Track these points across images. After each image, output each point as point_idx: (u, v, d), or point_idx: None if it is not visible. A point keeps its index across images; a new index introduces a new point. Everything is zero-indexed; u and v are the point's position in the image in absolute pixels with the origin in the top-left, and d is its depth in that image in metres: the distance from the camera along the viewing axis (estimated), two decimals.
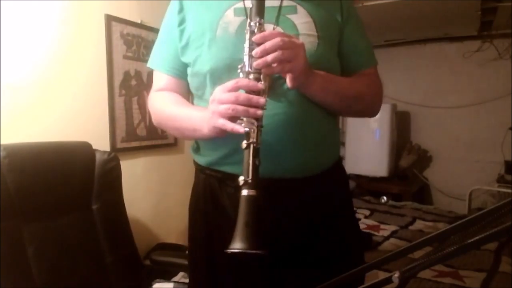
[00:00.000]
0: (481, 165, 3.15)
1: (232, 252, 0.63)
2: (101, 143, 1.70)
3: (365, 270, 0.57)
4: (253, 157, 0.70)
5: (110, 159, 1.47)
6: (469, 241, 0.44)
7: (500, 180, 2.94)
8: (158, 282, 1.71)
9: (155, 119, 0.98)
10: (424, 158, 3.42)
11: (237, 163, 0.83)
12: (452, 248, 0.45)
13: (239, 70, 0.75)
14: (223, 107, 0.73)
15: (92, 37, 1.70)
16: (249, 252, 0.63)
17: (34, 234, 1.21)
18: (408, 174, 3.33)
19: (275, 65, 0.73)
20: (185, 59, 0.90)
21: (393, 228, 2.27)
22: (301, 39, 0.82)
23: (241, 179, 0.69)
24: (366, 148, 3.14)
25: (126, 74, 1.87)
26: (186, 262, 1.45)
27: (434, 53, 3.30)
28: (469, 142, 3.23)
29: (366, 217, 2.46)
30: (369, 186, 3.16)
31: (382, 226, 2.31)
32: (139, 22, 1.91)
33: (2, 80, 1.39)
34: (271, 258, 0.84)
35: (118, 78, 1.82)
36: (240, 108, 0.71)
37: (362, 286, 0.53)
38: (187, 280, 1.84)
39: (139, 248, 1.56)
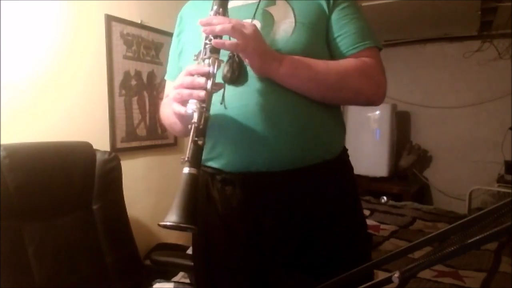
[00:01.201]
0: (481, 165, 3.15)
1: (164, 225, 0.65)
2: (101, 143, 1.70)
3: (365, 270, 0.57)
4: (193, 136, 0.71)
5: (111, 159, 1.47)
6: (469, 241, 0.44)
7: (500, 180, 2.94)
8: (158, 282, 1.71)
9: (165, 123, 1.01)
10: (424, 158, 3.42)
11: (220, 157, 0.86)
12: (452, 248, 0.45)
13: (194, 58, 0.77)
14: (174, 92, 0.76)
15: (92, 37, 1.70)
16: (180, 225, 0.65)
17: (34, 233, 1.21)
18: (408, 174, 3.33)
19: (226, 42, 0.74)
20: (181, 64, 0.94)
21: (393, 228, 2.28)
22: (276, 27, 0.83)
23: (182, 158, 0.72)
24: (366, 148, 3.14)
25: (126, 74, 1.87)
26: (186, 262, 1.46)
27: (434, 53, 3.30)
28: (469, 142, 3.23)
29: (366, 217, 2.46)
30: (369, 186, 3.16)
31: (382, 226, 2.31)
32: (139, 22, 1.91)
33: (2, 80, 1.39)
34: (259, 257, 0.85)
35: (118, 78, 1.82)
36: (185, 91, 0.74)
37: (362, 286, 0.53)
38: (187, 280, 1.84)
39: (139, 248, 1.56)
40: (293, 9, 0.85)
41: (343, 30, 0.87)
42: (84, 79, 1.68)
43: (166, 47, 2.06)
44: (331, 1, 0.87)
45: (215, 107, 0.81)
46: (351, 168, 0.96)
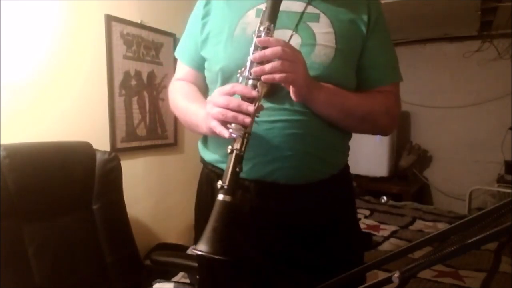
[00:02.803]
0: (481, 165, 3.15)
1: (195, 253, 0.66)
2: (101, 143, 1.70)
3: (365, 270, 0.57)
4: (234, 163, 0.70)
5: (111, 159, 1.47)
6: (469, 241, 0.44)
7: (500, 180, 2.94)
8: (158, 282, 1.71)
9: (171, 106, 1.01)
10: (424, 158, 3.42)
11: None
12: (452, 248, 0.45)
13: (238, 74, 0.76)
14: (215, 110, 0.74)
15: (92, 37, 1.70)
16: (211, 256, 0.64)
17: (34, 234, 1.21)
18: (408, 174, 3.33)
19: (275, 75, 0.72)
20: (203, 53, 0.92)
21: (393, 228, 2.27)
22: (318, 50, 0.82)
23: (219, 183, 0.70)
24: (366, 148, 3.14)
25: (126, 74, 1.86)
26: (186, 262, 1.46)
27: (434, 53, 3.30)
28: (469, 142, 3.23)
29: (366, 217, 2.46)
30: (369, 186, 3.16)
31: (382, 226, 2.31)
32: (139, 22, 1.91)
33: (2, 80, 1.39)
34: (264, 263, 0.85)
35: (118, 78, 1.82)
36: (230, 114, 0.72)
37: (362, 286, 0.53)
38: (187, 280, 1.84)
39: (139, 248, 1.56)
40: (334, 32, 0.83)
41: (375, 61, 0.89)
42: (84, 79, 1.67)
43: (166, 47, 2.06)
44: (371, 27, 0.87)
45: None
46: (351, 178, 1.03)
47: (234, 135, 0.71)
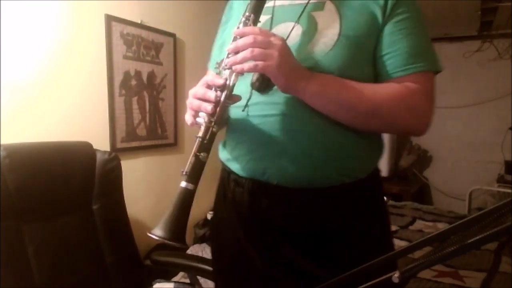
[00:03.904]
0: (481, 165, 3.15)
1: (151, 236, 0.66)
2: (101, 143, 1.70)
3: (365, 270, 0.57)
4: (195, 150, 0.70)
5: (111, 159, 1.47)
6: (469, 241, 0.44)
7: (500, 180, 2.95)
8: (158, 282, 1.71)
9: None
10: (424, 158, 3.42)
11: (235, 160, 0.86)
12: (452, 248, 0.45)
13: (216, 65, 0.75)
14: (188, 101, 0.76)
15: (92, 37, 1.70)
16: (166, 242, 0.65)
17: (34, 234, 1.21)
18: (408, 174, 3.34)
19: (244, 65, 0.69)
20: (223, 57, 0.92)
21: (393, 228, 2.27)
22: (316, 38, 0.77)
23: (182, 170, 0.70)
24: None
25: (126, 74, 1.86)
26: (186, 262, 1.46)
27: None
28: (469, 142, 3.23)
29: None
30: None
31: None
32: (139, 22, 1.91)
33: (2, 80, 1.39)
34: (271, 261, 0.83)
35: (118, 78, 1.82)
36: (195, 102, 0.73)
37: (362, 286, 0.53)
38: (187, 280, 1.84)
39: (139, 248, 1.56)
40: (340, 18, 0.77)
41: (393, 47, 0.77)
42: (84, 79, 1.67)
43: (166, 47, 2.06)
44: (388, 11, 0.77)
45: (238, 113, 0.81)
46: (377, 193, 0.87)
47: (199, 123, 0.71)
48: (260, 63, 0.68)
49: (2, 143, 1.23)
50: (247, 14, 0.74)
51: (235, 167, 0.86)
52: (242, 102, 0.78)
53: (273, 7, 0.82)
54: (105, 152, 1.48)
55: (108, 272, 1.39)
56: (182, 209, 0.68)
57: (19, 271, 1.16)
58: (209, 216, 2.37)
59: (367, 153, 0.83)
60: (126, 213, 1.53)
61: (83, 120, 1.68)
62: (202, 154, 0.69)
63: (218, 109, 0.71)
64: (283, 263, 0.82)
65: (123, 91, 1.85)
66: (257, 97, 0.79)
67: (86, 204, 1.40)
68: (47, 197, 1.27)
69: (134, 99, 1.92)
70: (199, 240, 2.24)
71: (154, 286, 1.67)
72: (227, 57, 0.72)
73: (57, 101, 1.57)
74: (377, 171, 0.87)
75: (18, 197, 1.19)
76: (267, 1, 0.80)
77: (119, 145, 1.85)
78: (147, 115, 2.01)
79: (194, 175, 0.69)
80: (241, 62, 0.69)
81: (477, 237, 0.44)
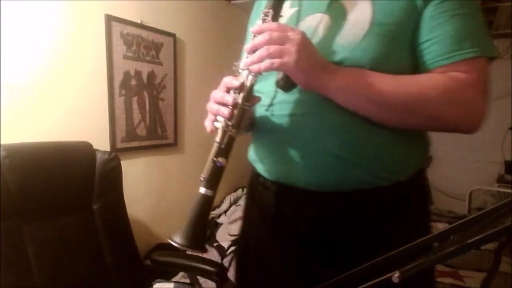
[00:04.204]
0: (481, 165, 3.15)
1: (170, 243, 0.65)
2: (101, 143, 1.70)
3: (365, 270, 0.57)
4: (213, 155, 0.67)
5: (111, 159, 1.47)
6: (469, 241, 0.44)
7: (500, 180, 2.95)
8: (158, 282, 1.71)
9: None
10: None
11: (261, 161, 0.84)
12: (452, 248, 0.45)
13: (234, 67, 0.72)
14: (208, 105, 0.73)
15: (92, 37, 1.70)
16: (185, 248, 0.65)
17: (34, 234, 1.21)
18: None
19: (261, 64, 0.65)
20: None
21: None
22: (345, 29, 0.70)
23: (201, 176, 0.68)
24: None
25: (126, 74, 1.86)
26: (186, 262, 1.46)
27: None
28: (469, 142, 3.23)
29: None
30: None
31: None
32: (139, 22, 1.91)
33: (2, 80, 1.39)
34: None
35: (118, 78, 1.82)
36: (214, 106, 0.70)
37: (362, 286, 0.53)
38: (187, 280, 1.84)
39: (139, 248, 1.56)
40: (373, 6, 0.69)
41: (435, 32, 0.67)
42: (84, 79, 1.67)
43: (166, 47, 2.06)
44: None
45: (263, 112, 0.79)
46: (419, 200, 0.79)
47: (217, 127, 0.69)
48: (276, 60, 0.64)
49: (2, 143, 1.23)
50: (265, 10, 0.70)
51: (260, 168, 0.85)
52: (267, 101, 0.76)
53: (280, 10, 0.76)
54: (105, 152, 1.48)
55: (108, 272, 1.39)
56: (201, 216, 0.66)
57: (19, 271, 1.16)
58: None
59: (408, 153, 0.74)
60: (126, 213, 1.53)
61: (83, 120, 1.68)
62: (219, 159, 0.67)
63: (235, 112, 0.68)
64: (304, 274, 0.78)
65: (123, 91, 1.85)
66: (281, 95, 0.75)
67: (86, 204, 1.40)
68: (47, 197, 1.27)
69: (134, 99, 1.92)
70: None
71: (154, 286, 1.67)
72: (246, 57, 0.69)
73: (57, 101, 1.57)
74: (421, 174, 0.78)
75: (18, 197, 1.19)
76: None
77: (119, 145, 1.85)
78: (147, 115, 2.01)
79: (212, 180, 0.67)
80: (259, 61, 0.65)
81: (477, 237, 0.43)
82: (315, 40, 0.72)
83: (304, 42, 0.65)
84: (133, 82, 1.91)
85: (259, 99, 0.72)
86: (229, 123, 0.67)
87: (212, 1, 2.39)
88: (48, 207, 1.28)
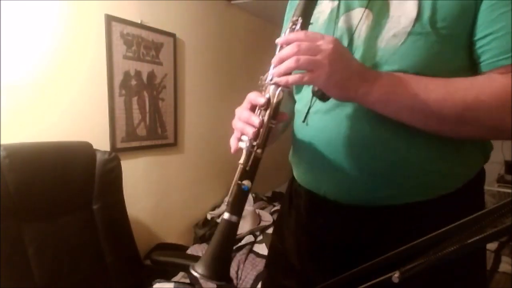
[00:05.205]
0: None
1: (192, 274, 0.60)
2: (101, 143, 1.70)
3: (365, 270, 0.57)
4: (238, 179, 0.63)
5: (111, 159, 1.47)
6: (469, 241, 0.44)
7: (500, 180, 2.94)
8: (158, 282, 1.71)
9: None
10: None
11: (296, 167, 0.83)
12: (452, 248, 0.45)
13: (260, 81, 0.65)
14: (233, 121, 0.67)
15: (92, 37, 1.70)
16: (208, 281, 0.60)
17: (34, 234, 1.21)
18: None
19: (289, 77, 0.60)
20: None
21: None
22: (387, 29, 0.64)
23: (226, 199, 0.66)
24: None
25: (126, 74, 1.86)
26: (186, 262, 1.46)
27: None
28: None
29: None
30: None
31: None
32: (139, 22, 1.91)
33: (2, 80, 1.39)
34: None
35: (118, 78, 1.82)
36: (239, 125, 0.65)
37: (362, 286, 0.53)
38: (187, 280, 1.84)
39: (139, 248, 1.56)
40: (419, 2, 0.62)
41: (494, 27, 0.58)
42: (84, 79, 1.67)
43: (166, 47, 2.06)
44: None
45: (300, 118, 0.75)
46: (470, 207, 0.61)
47: (241, 147, 0.64)
48: (306, 74, 0.58)
49: (2, 143, 1.23)
50: (294, 18, 0.64)
51: (295, 172, 0.84)
52: (304, 109, 0.72)
53: (310, 17, 0.68)
54: (105, 152, 1.48)
55: (108, 272, 1.39)
56: (225, 244, 0.62)
57: (19, 271, 1.16)
58: (209, 216, 2.37)
59: (458, 165, 0.66)
60: (126, 213, 1.53)
61: (83, 120, 1.68)
62: (244, 182, 0.62)
63: (261, 131, 0.62)
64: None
65: (123, 91, 1.85)
66: (319, 104, 0.70)
67: (86, 204, 1.40)
68: (47, 197, 1.27)
69: (134, 99, 1.92)
70: (199, 240, 2.24)
71: (154, 286, 1.67)
72: (272, 69, 0.63)
73: (57, 101, 1.57)
74: (476, 183, 0.69)
75: (18, 197, 1.19)
76: None
77: (119, 145, 1.85)
78: (147, 115, 2.01)
79: (237, 205, 0.63)
80: (285, 73, 0.59)
81: (477, 237, 0.44)
82: (356, 43, 0.67)
83: (337, 52, 0.58)
84: (133, 82, 1.91)
85: (286, 116, 0.67)
86: (254, 143, 0.62)
87: (212, 1, 2.39)
88: (48, 207, 1.28)
